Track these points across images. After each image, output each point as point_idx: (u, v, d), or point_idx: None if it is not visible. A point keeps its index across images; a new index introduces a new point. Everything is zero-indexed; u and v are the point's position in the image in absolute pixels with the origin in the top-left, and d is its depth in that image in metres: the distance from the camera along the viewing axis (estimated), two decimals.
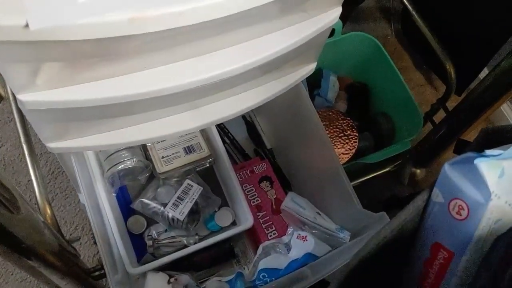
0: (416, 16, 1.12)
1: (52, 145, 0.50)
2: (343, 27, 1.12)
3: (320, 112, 1.09)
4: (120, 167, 0.74)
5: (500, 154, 0.34)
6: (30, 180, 0.67)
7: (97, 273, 0.71)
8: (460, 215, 0.36)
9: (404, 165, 1.18)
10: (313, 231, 0.75)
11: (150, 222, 0.78)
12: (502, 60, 0.82)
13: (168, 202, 0.76)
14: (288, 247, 0.75)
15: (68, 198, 1.19)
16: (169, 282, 0.68)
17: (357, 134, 1.08)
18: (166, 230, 0.77)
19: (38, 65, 0.38)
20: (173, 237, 0.76)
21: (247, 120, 1.00)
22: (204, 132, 0.83)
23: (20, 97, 0.40)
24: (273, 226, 0.82)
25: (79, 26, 0.34)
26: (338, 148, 1.07)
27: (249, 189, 0.86)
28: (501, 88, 0.85)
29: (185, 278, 0.70)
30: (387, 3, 1.57)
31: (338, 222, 0.77)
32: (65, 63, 0.39)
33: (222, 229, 0.79)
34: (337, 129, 1.08)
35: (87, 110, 0.44)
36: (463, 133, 0.99)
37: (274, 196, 0.86)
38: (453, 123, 1.01)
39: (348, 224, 0.75)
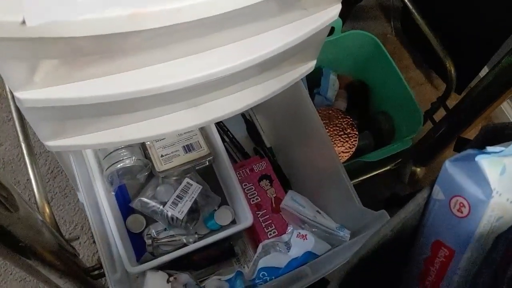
0: (416, 14, 1.12)
1: (50, 143, 0.49)
2: (343, 26, 1.11)
3: (320, 111, 1.09)
4: (119, 165, 0.73)
5: (502, 151, 0.34)
6: (29, 179, 0.67)
7: (96, 272, 0.71)
8: (461, 212, 0.36)
9: (404, 164, 1.18)
10: (313, 230, 0.75)
11: (150, 221, 0.78)
12: (502, 58, 0.82)
13: (168, 201, 0.75)
14: (288, 245, 0.75)
15: (67, 197, 1.19)
16: (168, 281, 0.68)
17: (357, 133, 1.08)
18: (165, 229, 0.77)
19: (35, 62, 0.38)
20: (172, 236, 0.76)
21: (247, 118, 0.99)
22: (203, 130, 0.83)
23: (18, 94, 0.40)
24: (272, 224, 0.81)
25: (77, 23, 0.34)
26: (338, 147, 1.06)
27: (249, 187, 0.85)
28: (502, 87, 0.84)
29: (184, 277, 0.70)
30: (387, 1, 1.57)
31: (338, 220, 0.76)
32: (63, 60, 0.39)
33: (222, 228, 0.79)
34: (337, 128, 1.08)
35: (85, 108, 0.43)
36: (463, 132, 0.99)
37: (274, 195, 0.85)
38: (453, 121, 1.01)
39: (348, 223, 0.74)
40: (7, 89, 0.65)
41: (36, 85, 0.40)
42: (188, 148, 0.80)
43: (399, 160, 1.17)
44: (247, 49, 0.47)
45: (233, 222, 0.80)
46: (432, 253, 0.40)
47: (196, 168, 0.81)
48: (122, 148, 0.75)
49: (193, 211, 0.77)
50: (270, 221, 0.82)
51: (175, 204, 0.75)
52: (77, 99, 0.42)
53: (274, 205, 0.84)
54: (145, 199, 0.77)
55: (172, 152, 0.79)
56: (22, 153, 0.67)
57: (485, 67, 1.20)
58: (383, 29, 1.53)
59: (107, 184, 0.75)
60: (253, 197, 0.85)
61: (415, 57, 1.48)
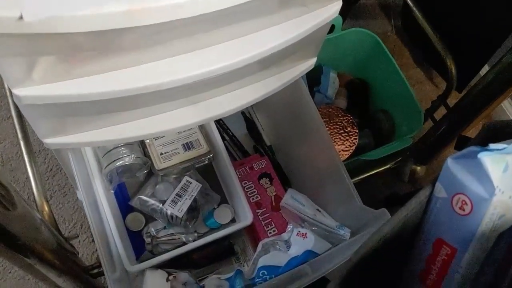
0: (416, 12, 1.11)
1: (49, 141, 0.49)
2: (343, 23, 1.11)
3: (320, 109, 1.09)
4: (118, 163, 0.73)
5: (504, 148, 0.33)
6: (28, 178, 0.67)
7: (95, 270, 0.71)
8: (463, 210, 0.35)
9: (405, 162, 1.18)
10: (313, 228, 0.75)
11: (149, 219, 0.77)
12: (503, 57, 0.82)
13: (167, 199, 0.75)
14: (288, 244, 0.74)
15: (66, 196, 1.19)
16: (167, 280, 0.68)
17: (357, 131, 1.07)
18: (164, 227, 0.77)
19: (33, 58, 0.37)
20: (171, 234, 0.76)
21: (247, 116, 0.99)
22: (203, 128, 0.82)
23: (16, 91, 0.40)
24: (272, 223, 0.81)
25: (75, 18, 0.33)
26: (338, 145, 1.06)
27: (249, 186, 0.85)
28: (502, 85, 0.84)
29: (184, 275, 0.69)
30: None
31: (338, 219, 0.76)
32: (61, 57, 0.38)
33: (221, 226, 0.78)
34: (337, 126, 1.08)
35: (84, 104, 0.43)
36: (463, 130, 0.99)
37: (274, 193, 0.85)
38: (453, 120, 1.01)
39: (348, 221, 0.74)
40: (6, 87, 0.65)
41: (34, 82, 0.39)
42: (187, 146, 0.79)
43: (399, 158, 1.16)
44: (246, 46, 0.47)
45: (233, 220, 0.79)
46: (434, 252, 0.39)
47: (196, 166, 0.80)
48: (121, 146, 0.74)
49: (193, 210, 0.76)
50: (270, 219, 0.82)
51: (174, 202, 0.75)
52: (75, 96, 0.41)
53: (274, 203, 0.84)
54: (144, 197, 0.76)
55: (171, 150, 0.78)
56: (21, 151, 0.67)
57: (486, 65, 1.20)
58: (383, 27, 1.52)
59: (106, 182, 0.75)
60: (253, 196, 0.84)
61: (416, 55, 1.48)
